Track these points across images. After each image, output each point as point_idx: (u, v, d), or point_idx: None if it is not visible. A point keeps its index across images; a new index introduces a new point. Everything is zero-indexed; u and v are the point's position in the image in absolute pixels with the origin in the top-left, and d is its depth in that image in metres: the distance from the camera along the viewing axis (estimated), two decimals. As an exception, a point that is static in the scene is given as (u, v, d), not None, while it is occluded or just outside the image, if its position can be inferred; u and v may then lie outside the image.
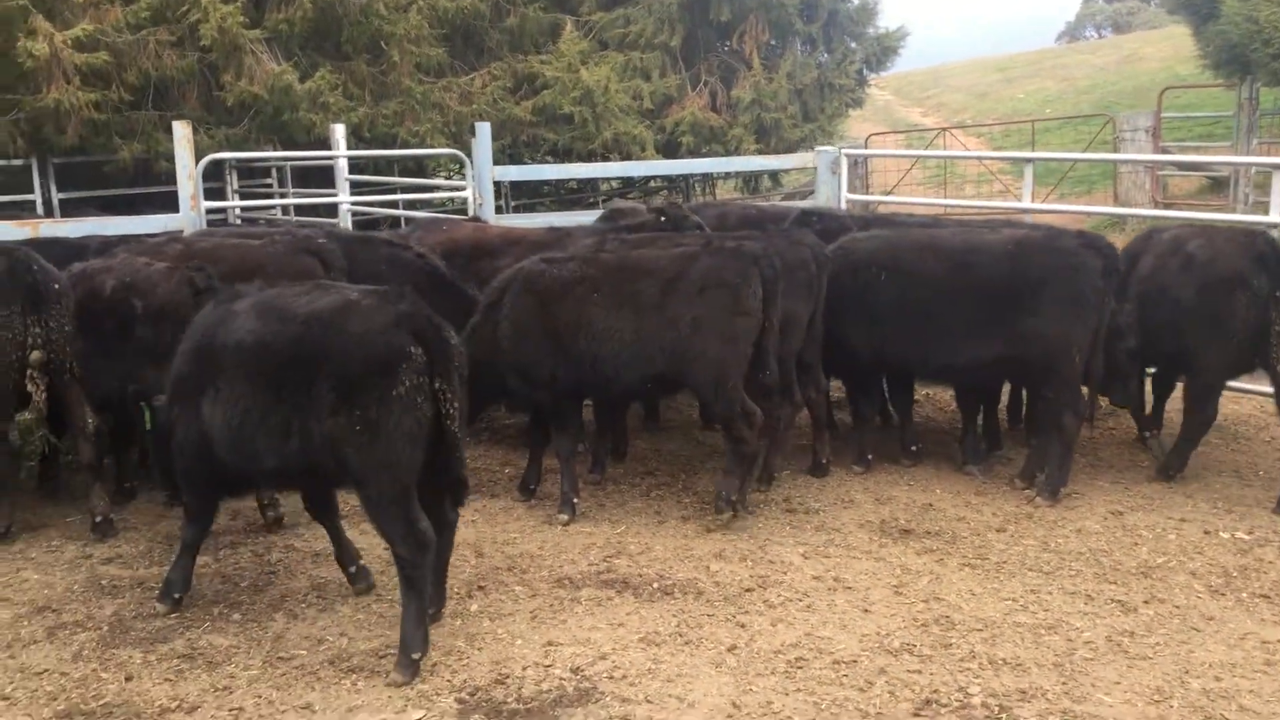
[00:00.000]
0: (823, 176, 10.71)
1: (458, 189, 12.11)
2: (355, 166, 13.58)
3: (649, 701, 4.74)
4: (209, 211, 9.65)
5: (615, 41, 19.27)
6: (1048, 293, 6.98)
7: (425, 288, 6.84)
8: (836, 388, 8.68)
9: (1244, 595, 5.73)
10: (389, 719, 4.64)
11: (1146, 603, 5.62)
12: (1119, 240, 8.11)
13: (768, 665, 5.02)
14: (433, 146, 15.60)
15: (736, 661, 5.07)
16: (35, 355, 6.64)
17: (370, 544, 6.23)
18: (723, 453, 7.41)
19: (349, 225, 11.78)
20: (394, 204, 15.30)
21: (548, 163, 18.70)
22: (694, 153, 18.14)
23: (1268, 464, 7.85)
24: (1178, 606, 5.58)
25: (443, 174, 20.65)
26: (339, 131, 12.48)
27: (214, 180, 14.92)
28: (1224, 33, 18.39)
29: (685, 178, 20.54)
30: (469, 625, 5.49)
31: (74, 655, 5.28)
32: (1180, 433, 7.59)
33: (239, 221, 14.15)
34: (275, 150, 15.15)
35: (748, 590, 5.85)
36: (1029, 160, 10.04)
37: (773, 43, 19.75)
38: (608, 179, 21.33)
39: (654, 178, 21.16)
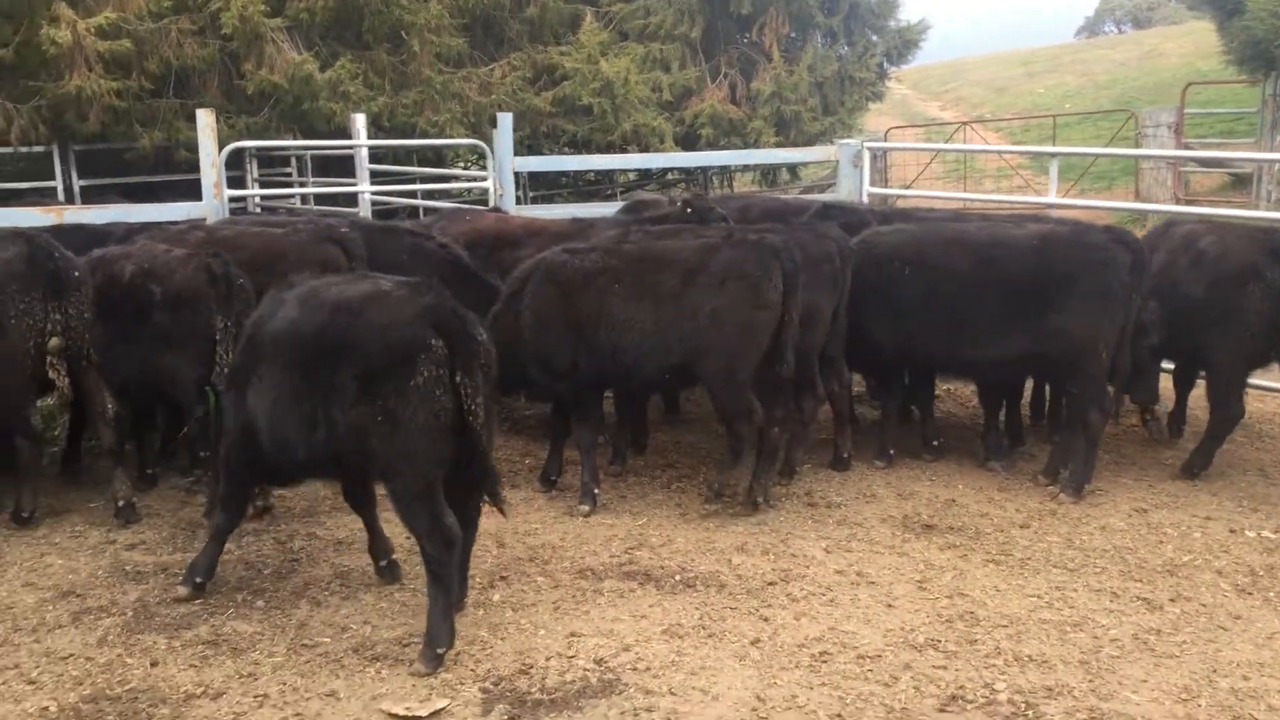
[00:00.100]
0: (844, 170, 10.67)
1: (478, 179, 12.09)
2: (374, 156, 13.57)
3: (673, 694, 4.73)
4: (230, 200, 9.66)
5: (635, 33, 19.22)
6: (1075, 288, 6.94)
7: (448, 278, 6.85)
8: (857, 381, 8.65)
9: (1271, 594, 5.70)
10: (413, 707, 4.64)
11: (1173, 601, 5.59)
12: (1139, 236, 8.07)
13: (792, 659, 5.01)
14: (452, 136, 15.59)
15: (760, 655, 5.06)
16: (54, 342, 6.66)
17: (392, 531, 6.22)
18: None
19: (369, 214, 11.79)
20: (412, 194, 15.30)
21: (566, 154, 18.67)
22: (713, 145, 18.09)
23: (1293, 463, 7.81)
24: (1204, 605, 5.55)
25: (460, 164, 20.63)
26: (360, 121, 12.47)
27: (234, 169, 14.95)
28: (1249, 28, 18.27)
29: (703, 170, 20.48)
30: (491, 615, 5.49)
31: (99, 640, 5.30)
32: (1206, 431, 7.55)
33: (259, 210, 14.20)
34: (295, 139, 15.15)
35: (770, 584, 5.84)
36: (1054, 155, 9.98)
37: (793, 35, 19.68)
38: (625, 171, 21.29)
39: (671, 170, 21.12)
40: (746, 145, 17.82)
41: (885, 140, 22.36)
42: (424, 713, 4.61)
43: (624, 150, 17.24)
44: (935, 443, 7.89)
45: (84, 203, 13.81)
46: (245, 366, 5.37)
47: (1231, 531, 6.53)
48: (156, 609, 5.62)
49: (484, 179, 11.36)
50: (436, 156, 18.60)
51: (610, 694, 4.74)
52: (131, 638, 5.31)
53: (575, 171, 20.51)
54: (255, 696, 4.75)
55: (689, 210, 8.28)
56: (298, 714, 4.62)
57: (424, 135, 15.45)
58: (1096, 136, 25.73)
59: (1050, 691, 4.71)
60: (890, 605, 5.55)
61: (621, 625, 5.38)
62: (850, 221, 8.28)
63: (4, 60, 12.98)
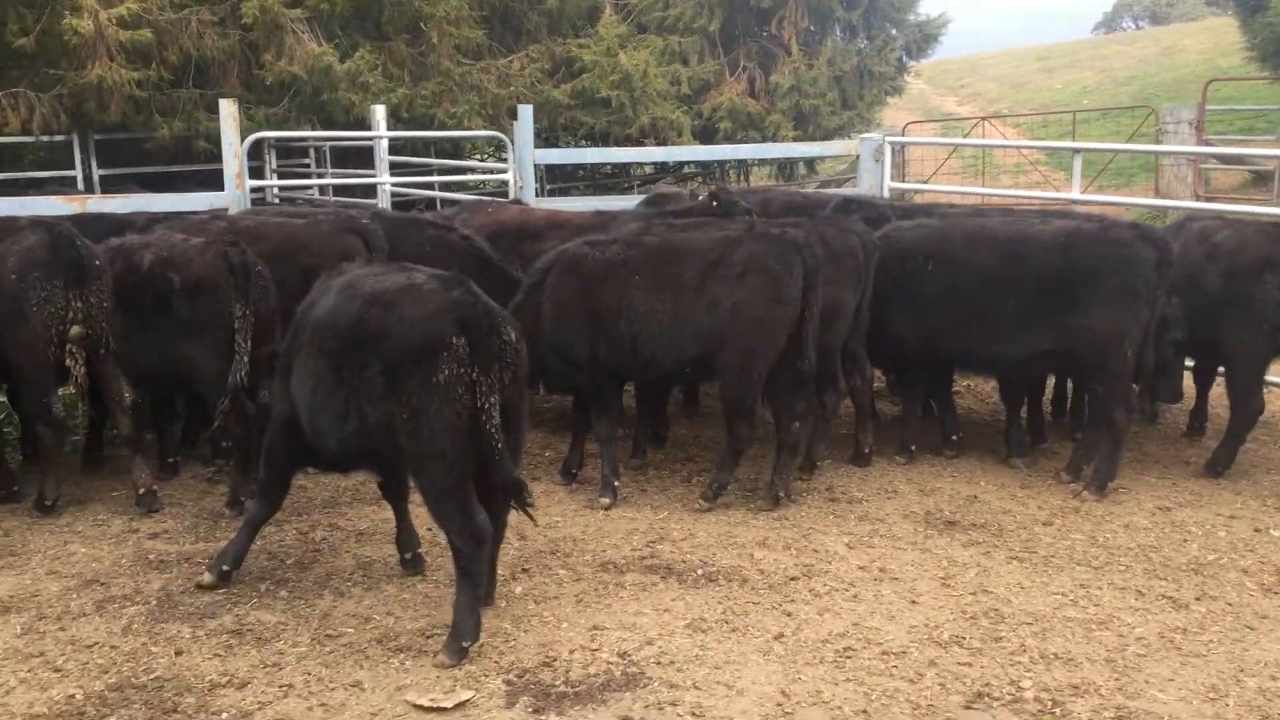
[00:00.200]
0: (865, 164, 10.63)
1: (498, 171, 12.08)
2: (392, 147, 13.57)
3: (697, 688, 4.72)
4: (249, 190, 9.66)
5: (654, 25, 19.18)
6: (1100, 285, 6.89)
7: (470, 270, 6.83)
8: (877, 377, 8.63)
9: (1298, 594, 5.66)
10: (438, 699, 4.64)
11: (1198, 600, 5.56)
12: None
13: (816, 654, 5.00)
14: (470, 128, 15.57)
15: (784, 650, 5.05)
16: (75, 330, 6.69)
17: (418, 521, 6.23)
18: (762, 440, 7.40)
19: (388, 206, 11.79)
20: (430, 185, 15.30)
21: (584, 146, 18.64)
22: (731, 139, 18.04)
23: (1317, 462, 7.76)
24: (1230, 604, 5.52)
25: (477, 156, 20.63)
26: (379, 112, 12.46)
27: (253, 159, 14.92)
28: (1272, 25, 18.15)
29: (720, 164, 20.43)
30: (514, 607, 5.48)
31: (123, 629, 5.31)
32: (1227, 428, 7.51)
33: (277, 200, 14.21)
34: (314, 130, 15.15)
35: (793, 579, 5.82)
36: (1077, 151, 9.93)
37: (812, 29, 19.60)
38: (641, 164, 21.26)
39: (688, 163, 21.08)
40: (765, 139, 17.77)
41: (903, 135, 22.25)
42: (449, 704, 4.61)
43: (641, 143, 17.23)
44: (955, 437, 7.86)
45: (103, 192, 13.83)
46: (288, 353, 5.41)
47: (1256, 530, 6.50)
48: (180, 598, 5.64)
49: (502, 171, 11.35)
50: (453, 148, 18.59)
51: (634, 687, 4.73)
52: (156, 626, 5.32)
53: (592, 164, 20.48)
54: (280, 686, 4.76)
55: (715, 203, 8.25)
56: (323, 704, 4.63)
57: (442, 127, 15.44)
58: (1116, 133, 25.58)
59: (1076, 689, 4.68)
60: (914, 601, 5.53)
61: (644, 619, 5.37)
62: (870, 216, 8.25)
63: (25, 49, 13.01)
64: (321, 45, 14.70)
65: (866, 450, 7.67)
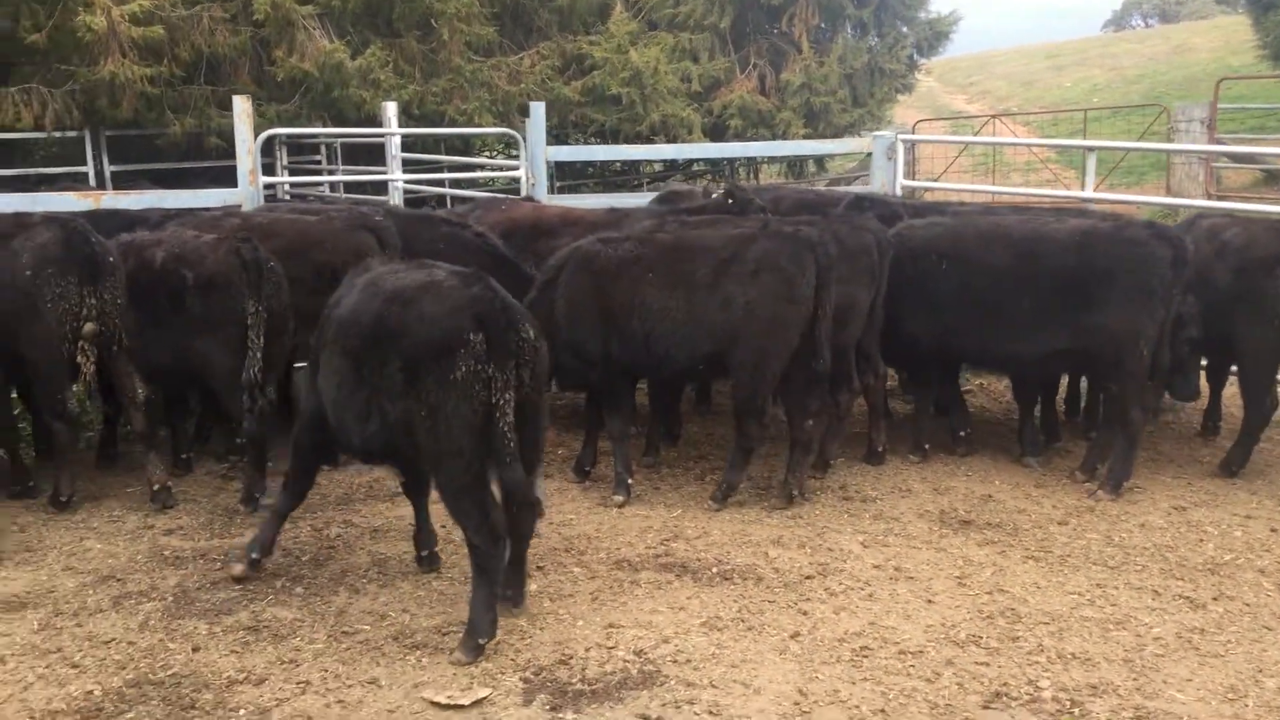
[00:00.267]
0: (878, 162, 10.59)
1: (510, 168, 12.07)
2: (404, 144, 13.56)
3: (714, 686, 4.72)
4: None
5: (664, 22, 19.16)
6: (1116, 284, 6.87)
7: (485, 267, 6.82)
8: (890, 375, 8.61)
9: (1315, 595, 5.64)
10: (455, 696, 4.64)
11: (1215, 600, 5.54)
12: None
13: (832, 653, 4.99)
14: (480, 125, 15.58)
15: (800, 649, 5.04)
16: (88, 328, 6.69)
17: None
18: (775, 438, 7.40)
19: (400, 203, 11.79)
20: (441, 183, 15.30)
21: (593, 143, 18.62)
22: (741, 136, 18.01)
23: (1333, 462, 7.73)
24: (1248, 604, 5.50)
25: (486, 153, 20.62)
26: (391, 109, 12.46)
27: (264, 156, 14.88)
28: (1284, 23, 18.07)
29: (730, 161, 20.40)
30: (529, 605, 5.47)
31: (140, 625, 5.32)
32: (1241, 427, 7.50)
33: (288, 197, 14.21)
34: (325, 126, 15.16)
35: (808, 577, 5.82)
36: (1092, 149, 9.89)
37: (822, 26, 19.56)
38: (651, 162, 21.24)
39: (696, 161, 21.05)
40: (775, 136, 17.73)
41: (914, 133, 22.21)
42: (465, 701, 4.61)
43: (651, 140, 17.21)
44: (963, 433, 7.85)
45: (115, 188, 13.85)
46: (315, 348, 5.44)
47: (1273, 530, 6.47)
48: (197, 594, 5.65)
49: (513, 168, 11.35)
50: (463, 145, 18.60)
51: (651, 685, 4.72)
52: (172, 623, 5.33)
53: (601, 161, 20.46)
54: (297, 683, 4.77)
55: (730, 200, 8.24)
56: (340, 701, 4.63)
57: (453, 124, 15.44)
58: (1126, 131, 25.47)
59: (1095, 689, 4.67)
60: (930, 601, 5.52)
61: (660, 617, 5.36)
62: (883, 214, 8.23)
63: (38, 45, 13.03)
64: (333, 42, 14.71)
65: (880, 449, 7.66)
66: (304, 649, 5.07)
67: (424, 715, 4.54)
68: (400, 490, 6.86)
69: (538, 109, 10.65)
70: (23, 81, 13.93)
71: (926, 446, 7.71)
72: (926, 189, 12.67)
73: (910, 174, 20.34)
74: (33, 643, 5.15)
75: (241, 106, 9.00)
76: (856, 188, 12.84)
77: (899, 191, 10.44)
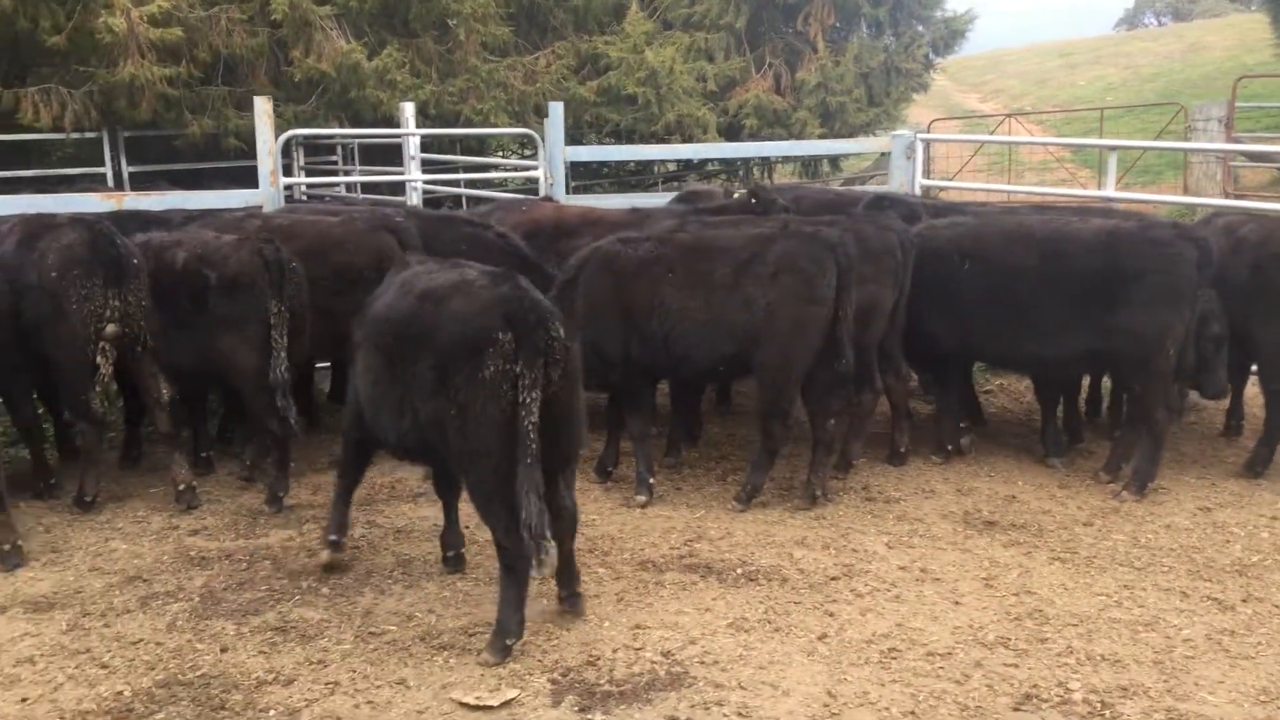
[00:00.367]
0: (897, 161, 10.58)
1: (529, 169, 12.07)
2: (421, 145, 13.56)
3: (742, 688, 4.71)
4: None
5: (680, 22, 19.13)
6: (1142, 285, 6.82)
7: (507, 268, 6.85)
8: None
9: (1344, 596, 5.61)
10: (484, 697, 4.64)
11: (1244, 601, 5.52)
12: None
13: (860, 655, 4.98)
14: (496, 125, 15.59)
15: (828, 650, 5.03)
16: (111, 329, 6.72)
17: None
18: (796, 439, 7.38)
19: (419, 204, 11.79)
20: (457, 183, 15.31)
21: (608, 143, 18.61)
22: (756, 136, 17.97)
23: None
24: (1277, 605, 5.47)
25: (501, 153, 20.63)
26: (409, 109, 12.47)
27: (282, 157, 14.98)
28: (1303, 21, 17.95)
29: (744, 161, 20.37)
30: (554, 605, 5.46)
31: (168, 625, 5.33)
32: (1264, 427, 7.47)
33: (305, 198, 14.24)
34: (342, 127, 15.18)
35: (833, 578, 5.81)
36: (1113, 148, 9.86)
37: (838, 25, 19.53)
38: (665, 161, 21.23)
39: (710, 160, 21.03)
40: (791, 136, 17.69)
41: (929, 132, 22.17)
42: (494, 702, 4.61)
43: (667, 140, 17.19)
44: (963, 426, 7.82)
45: (133, 188, 13.89)
46: (354, 344, 5.47)
47: (1300, 532, 6.45)
48: (223, 595, 5.66)
49: (530, 168, 11.35)
50: (478, 145, 18.61)
51: (679, 687, 4.72)
52: (200, 623, 5.35)
53: (616, 161, 20.45)
54: (326, 684, 4.77)
55: (753, 200, 8.22)
56: (369, 701, 4.64)
57: (468, 124, 15.46)
58: (1142, 130, 25.39)
59: (1125, 691, 4.65)
60: (957, 602, 5.51)
61: (686, 618, 5.36)
62: (902, 214, 8.21)
63: (59, 47, 13.07)
64: (350, 42, 14.74)
65: (903, 449, 7.64)
66: (331, 650, 5.08)
67: (453, 716, 4.55)
68: (421, 491, 6.95)
69: (556, 109, 10.65)
70: (42, 82, 13.98)
71: (950, 447, 7.69)
72: (946, 189, 12.64)
73: (926, 173, 20.32)
74: (61, 643, 5.17)
75: (262, 107, 9.02)
76: (875, 187, 12.81)
77: (918, 191, 10.42)
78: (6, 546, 6.05)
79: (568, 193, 12.31)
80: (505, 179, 17.85)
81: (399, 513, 6.83)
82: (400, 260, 6.58)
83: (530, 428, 4.75)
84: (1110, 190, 9.62)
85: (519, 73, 16.54)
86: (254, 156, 9.36)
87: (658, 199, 12.55)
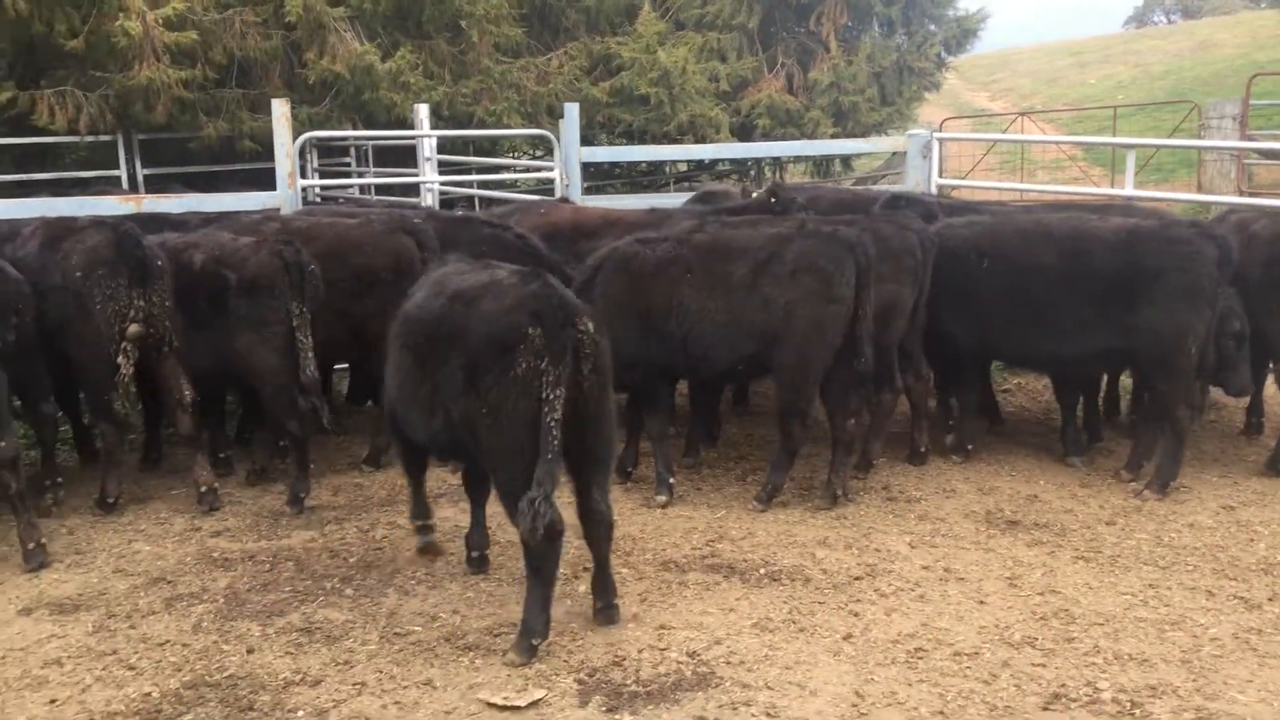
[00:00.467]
0: (913, 160, 10.56)
1: (544, 169, 12.06)
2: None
3: (769, 688, 4.71)
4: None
5: (692, 22, 19.11)
6: (1162, 283, 6.81)
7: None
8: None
9: (1371, 595, 5.59)
10: (511, 697, 4.64)
11: (1271, 600, 5.50)
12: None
13: (887, 655, 4.97)
14: (509, 126, 15.59)
15: (854, 650, 5.02)
16: (133, 329, 6.74)
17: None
18: (815, 439, 7.37)
19: (435, 205, 11.79)
20: (470, 184, 15.31)
21: (620, 144, 18.59)
22: (769, 136, 17.93)
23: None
24: (1304, 605, 5.46)
25: (513, 154, 20.62)
26: (423, 111, 12.46)
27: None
28: (1316, 18, 17.85)
29: (757, 161, 20.33)
30: (579, 606, 5.48)
31: (194, 627, 5.35)
32: (1284, 426, 7.47)
33: (319, 200, 14.26)
34: (355, 129, 15.19)
35: (856, 578, 5.80)
36: (1130, 146, 9.84)
37: (850, 25, 19.50)
38: (676, 162, 21.21)
39: (720, 161, 20.99)
40: (803, 136, 17.65)
41: (941, 131, 22.12)
42: (522, 703, 4.62)
43: (679, 140, 17.17)
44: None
45: (147, 191, 13.90)
46: (389, 344, 5.48)
47: (1324, 530, 6.43)
48: (247, 596, 5.68)
49: (545, 169, 11.34)
50: (490, 146, 18.61)
51: (706, 687, 4.72)
52: (225, 624, 5.36)
53: (628, 162, 20.43)
54: (353, 684, 4.78)
55: (773, 199, 8.21)
56: (397, 702, 4.64)
57: (481, 125, 15.46)
58: (1154, 128, 25.30)
59: (1154, 690, 4.64)
60: (982, 602, 5.50)
61: (710, 618, 5.36)
62: (919, 213, 8.18)
63: (77, 51, 13.11)
64: (363, 44, 14.73)
65: (923, 449, 7.63)
66: (357, 650, 5.09)
67: (480, 716, 4.55)
68: (441, 492, 6.95)
69: (571, 110, 10.64)
70: (57, 85, 14.01)
71: (970, 447, 7.68)
72: (963, 188, 12.61)
73: (940, 173, 20.25)
74: (88, 645, 5.19)
75: (280, 110, 9.04)
76: (891, 186, 12.79)
77: (934, 190, 10.40)
78: (31, 545, 6.08)
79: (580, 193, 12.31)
80: (518, 180, 17.83)
81: (420, 513, 6.82)
82: (431, 260, 6.64)
83: (553, 423, 4.73)
84: (1129, 189, 9.58)
85: (531, 74, 16.52)
86: (267, 159, 9.38)
87: (671, 199, 12.52)
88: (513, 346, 4.76)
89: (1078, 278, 7.07)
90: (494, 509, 5.56)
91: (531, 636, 4.94)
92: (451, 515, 6.61)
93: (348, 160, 17.38)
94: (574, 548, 6.12)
